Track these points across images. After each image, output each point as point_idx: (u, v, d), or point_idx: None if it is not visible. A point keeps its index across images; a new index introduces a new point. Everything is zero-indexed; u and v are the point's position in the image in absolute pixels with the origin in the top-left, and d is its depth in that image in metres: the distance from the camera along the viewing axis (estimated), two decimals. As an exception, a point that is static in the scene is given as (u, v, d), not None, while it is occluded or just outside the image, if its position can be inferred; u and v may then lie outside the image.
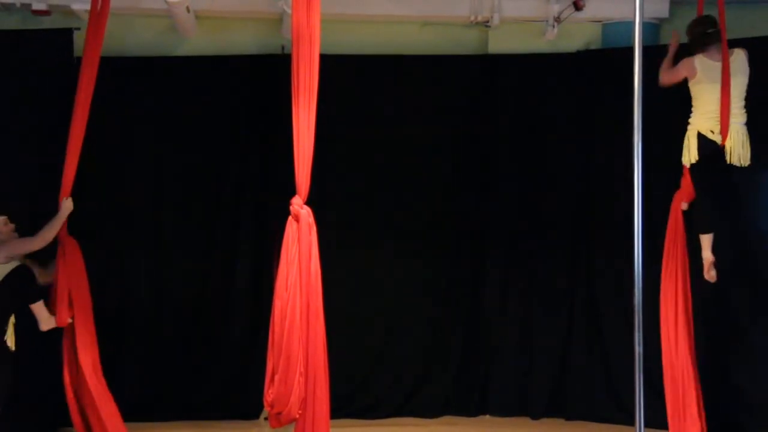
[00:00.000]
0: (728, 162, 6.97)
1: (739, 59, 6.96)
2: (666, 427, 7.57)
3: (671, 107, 7.90)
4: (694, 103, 7.07)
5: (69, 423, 7.86)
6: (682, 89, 7.49)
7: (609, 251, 8.21)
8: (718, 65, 6.89)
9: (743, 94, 6.98)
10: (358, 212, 8.53)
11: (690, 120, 7.08)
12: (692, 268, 7.25)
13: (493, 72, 8.67)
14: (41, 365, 7.83)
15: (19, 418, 7.67)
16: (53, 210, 7.73)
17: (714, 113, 6.93)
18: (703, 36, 6.97)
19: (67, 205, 7.05)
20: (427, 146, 8.63)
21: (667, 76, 7.16)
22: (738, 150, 6.96)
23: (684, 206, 7.26)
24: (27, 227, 7.89)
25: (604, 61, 8.43)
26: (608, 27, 8.60)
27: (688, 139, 7.05)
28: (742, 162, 6.99)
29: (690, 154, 7.03)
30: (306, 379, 6.10)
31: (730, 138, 6.93)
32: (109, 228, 8.22)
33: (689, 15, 7.36)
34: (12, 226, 7.08)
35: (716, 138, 6.94)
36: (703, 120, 6.99)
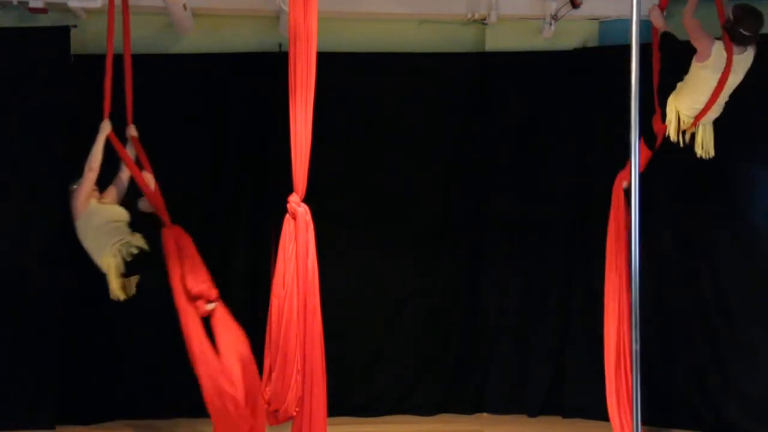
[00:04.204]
0: (697, 154, 6.91)
1: (747, 58, 6.74)
2: (665, 423, 7.63)
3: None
4: (687, 81, 6.80)
5: (67, 421, 7.90)
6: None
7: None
8: (725, 59, 6.67)
9: (730, 91, 6.81)
10: (355, 210, 8.53)
11: (677, 93, 6.84)
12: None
13: (491, 70, 8.67)
14: (40, 361, 7.86)
15: (18, 415, 7.68)
16: (53, 205, 7.77)
17: (699, 104, 6.76)
18: (740, 35, 6.58)
19: (103, 127, 6.94)
20: (425, 144, 8.64)
21: (692, 26, 6.70)
22: (701, 143, 6.91)
23: (625, 185, 7.17)
24: (26, 224, 7.94)
25: (602, 59, 8.43)
26: (605, 25, 8.61)
27: (671, 112, 6.87)
28: (705, 155, 6.92)
29: (670, 128, 6.88)
30: (303, 377, 6.10)
31: (698, 131, 6.87)
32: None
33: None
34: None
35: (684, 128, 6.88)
36: (686, 104, 6.81)
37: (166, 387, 8.33)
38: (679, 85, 6.89)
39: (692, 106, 6.81)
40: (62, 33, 8.03)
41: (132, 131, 7.13)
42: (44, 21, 8.16)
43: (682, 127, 6.87)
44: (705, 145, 6.90)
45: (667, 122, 6.87)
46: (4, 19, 8.20)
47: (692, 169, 8.10)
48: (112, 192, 7.10)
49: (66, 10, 8.06)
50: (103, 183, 7.04)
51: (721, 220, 8.04)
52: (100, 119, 6.92)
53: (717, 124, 7.91)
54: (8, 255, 7.89)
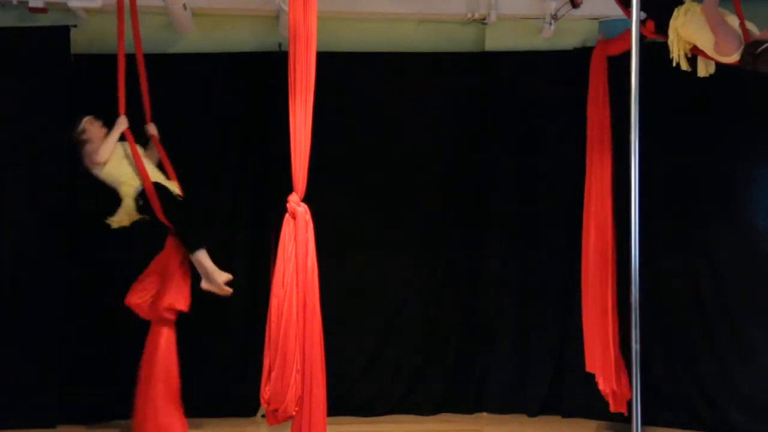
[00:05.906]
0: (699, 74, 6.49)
1: None
2: (665, 423, 7.62)
3: (668, 104, 7.92)
4: (700, 31, 6.20)
5: (69, 420, 7.91)
6: (678, 89, 7.50)
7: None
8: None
9: None
10: (355, 209, 8.53)
11: (683, 24, 6.29)
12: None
13: (490, 69, 8.68)
14: (41, 361, 7.86)
15: (19, 414, 7.69)
16: (54, 205, 7.78)
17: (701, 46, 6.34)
18: (753, 67, 6.03)
19: (119, 121, 7.02)
20: (424, 143, 8.64)
21: (714, 19, 6.07)
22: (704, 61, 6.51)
23: None
24: (26, 225, 7.94)
25: (601, 59, 8.43)
26: (605, 24, 8.60)
27: (672, 33, 6.37)
28: (706, 74, 6.47)
29: (672, 50, 6.41)
30: (303, 377, 6.10)
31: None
32: (106, 225, 8.20)
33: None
34: (105, 129, 7.11)
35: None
36: (688, 39, 6.34)
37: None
38: (682, 14, 6.34)
39: (693, 44, 6.34)
40: (62, 33, 8.03)
41: (152, 129, 7.25)
42: (44, 21, 8.16)
43: (682, 51, 6.38)
44: (707, 64, 6.41)
45: (669, 42, 6.38)
46: (4, 19, 8.20)
47: (692, 168, 8.12)
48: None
49: (66, 9, 8.06)
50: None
51: (721, 220, 8.03)
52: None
53: (717, 124, 7.92)
54: (9, 255, 7.89)
